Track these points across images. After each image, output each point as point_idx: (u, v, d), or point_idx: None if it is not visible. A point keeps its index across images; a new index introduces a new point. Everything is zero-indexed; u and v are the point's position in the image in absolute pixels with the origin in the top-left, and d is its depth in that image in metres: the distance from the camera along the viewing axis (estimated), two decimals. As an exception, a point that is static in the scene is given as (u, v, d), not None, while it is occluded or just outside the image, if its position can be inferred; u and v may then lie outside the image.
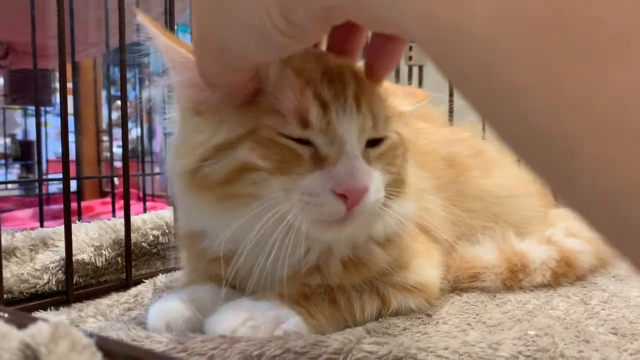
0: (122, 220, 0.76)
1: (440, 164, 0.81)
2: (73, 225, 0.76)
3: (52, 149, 2.41)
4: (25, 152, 2.93)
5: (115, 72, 2.33)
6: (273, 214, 0.50)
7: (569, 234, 0.85)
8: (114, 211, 1.54)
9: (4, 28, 1.44)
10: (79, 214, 1.48)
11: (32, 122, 1.83)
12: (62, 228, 0.69)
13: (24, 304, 0.65)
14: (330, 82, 0.52)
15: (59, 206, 1.78)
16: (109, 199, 2.10)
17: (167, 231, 0.84)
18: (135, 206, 1.97)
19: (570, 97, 0.20)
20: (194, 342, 0.48)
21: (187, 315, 0.55)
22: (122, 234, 0.76)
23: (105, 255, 0.74)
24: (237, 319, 0.52)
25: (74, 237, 0.72)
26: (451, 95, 1.18)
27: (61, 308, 0.67)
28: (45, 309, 0.66)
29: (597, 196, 0.21)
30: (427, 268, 0.68)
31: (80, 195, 2.45)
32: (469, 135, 0.93)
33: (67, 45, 0.69)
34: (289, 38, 0.36)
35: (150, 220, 0.83)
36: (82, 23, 1.58)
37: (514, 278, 0.74)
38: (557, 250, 0.78)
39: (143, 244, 0.80)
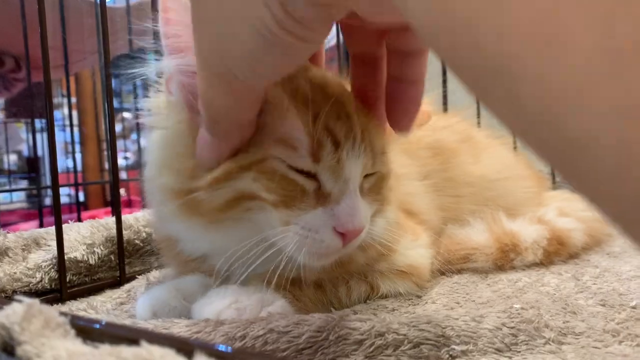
0: (115, 219, 0.77)
1: (425, 152, 0.81)
2: (65, 225, 0.77)
3: (58, 161, 2.43)
4: (32, 168, 2.95)
5: (115, 83, 2.36)
6: (267, 244, 0.51)
7: (561, 213, 0.85)
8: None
9: (14, 41, 1.44)
10: (79, 219, 1.49)
11: (37, 137, 1.86)
12: (54, 228, 0.70)
13: (18, 303, 0.66)
14: (338, 117, 0.51)
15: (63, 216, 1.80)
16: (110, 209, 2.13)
17: (160, 228, 0.84)
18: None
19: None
20: (178, 327, 0.49)
21: (173, 304, 0.56)
22: (114, 231, 0.76)
23: (98, 253, 0.75)
24: (222, 302, 0.53)
25: (66, 236, 0.73)
26: (444, 81, 1.19)
27: (54, 305, 0.68)
28: (38, 307, 0.66)
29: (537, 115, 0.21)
30: (415, 247, 0.68)
31: (84, 204, 2.47)
32: (458, 121, 0.93)
33: (53, 58, 0.69)
34: (292, 37, 0.35)
35: (143, 217, 0.84)
36: (78, 32, 1.59)
37: (505, 258, 0.74)
38: (548, 229, 0.78)
39: (136, 241, 0.81)
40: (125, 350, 0.29)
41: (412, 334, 0.47)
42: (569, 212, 0.85)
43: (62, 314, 0.35)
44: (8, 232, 0.73)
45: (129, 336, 0.31)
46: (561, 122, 0.20)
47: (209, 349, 0.30)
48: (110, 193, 1.79)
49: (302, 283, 0.58)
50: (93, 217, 2.07)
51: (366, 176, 0.54)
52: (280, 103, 0.49)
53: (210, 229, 0.54)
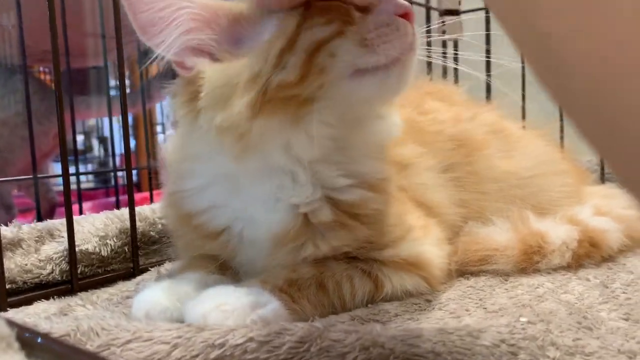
0: (129, 210, 0.77)
1: (446, 144, 0.76)
2: (80, 216, 0.78)
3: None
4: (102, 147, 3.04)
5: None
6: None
7: (597, 212, 0.78)
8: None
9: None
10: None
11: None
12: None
13: (27, 294, 0.67)
14: None
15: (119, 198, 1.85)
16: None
17: (176, 220, 0.84)
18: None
19: None
20: (160, 331, 0.47)
21: (165, 305, 0.55)
22: (128, 223, 0.76)
23: (110, 245, 0.75)
24: (209, 304, 0.51)
25: (80, 228, 0.74)
26: (488, 70, 1.12)
27: (65, 297, 0.68)
28: (48, 299, 0.67)
29: None
30: (423, 244, 0.64)
31: (138, 185, 2.53)
32: (487, 113, 0.87)
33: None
34: None
35: (159, 208, 0.83)
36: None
37: (529, 260, 0.69)
38: (580, 230, 0.72)
39: (151, 232, 0.81)
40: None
41: (399, 348, 0.44)
42: (606, 211, 0.78)
43: (11, 324, 0.34)
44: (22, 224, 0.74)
45: (65, 354, 0.30)
46: None
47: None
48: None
49: (302, 283, 0.56)
50: (145, 199, 2.13)
51: None
52: None
53: (292, 123, 0.53)
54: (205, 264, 0.63)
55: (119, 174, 2.01)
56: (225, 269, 0.64)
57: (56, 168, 2.74)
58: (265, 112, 0.51)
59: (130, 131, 2.49)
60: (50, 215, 1.90)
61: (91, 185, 2.72)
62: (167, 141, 0.64)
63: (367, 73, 0.52)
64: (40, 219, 1.40)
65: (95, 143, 3.11)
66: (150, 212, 0.82)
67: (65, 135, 0.70)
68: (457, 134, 0.78)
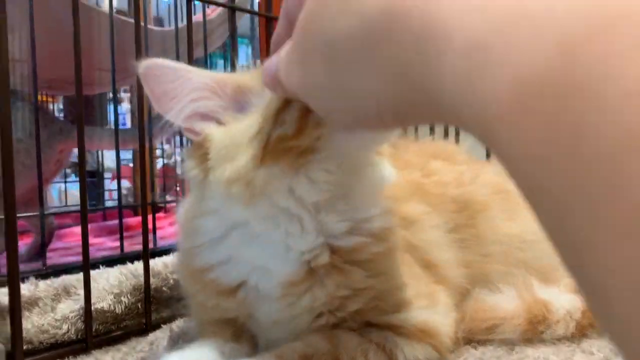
0: (143, 265, 0.78)
1: (450, 206, 0.79)
2: (95, 271, 0.79)
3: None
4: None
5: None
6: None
7: (599, 279, 0.81)
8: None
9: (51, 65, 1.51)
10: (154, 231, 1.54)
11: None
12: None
13: (43, 354, 0.68)
14: None
15: (115, 221, 1.85)
16: (161, 214, 2.19)
17: (187, 274, 0.85)
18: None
19: None
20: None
21: None
22: (142, 279, 0.78)
23: (124, 302, 0.76)
24: None
25: (94, 285, 0.75)
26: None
27: (79, 356, 0.69)
28: (62, 359, 0.68)
29: None
30: (433, 310, 0.66)
31: (134, 208, 2.53)
32: (492, 173, 0.89)
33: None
34: None
35: (172, 263, 0.85)
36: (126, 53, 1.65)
37: (534, 330, 0.71)
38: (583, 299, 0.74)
39: (164, 288, 0.82)
40: None
41: None
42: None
43: None
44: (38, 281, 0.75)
45: None
46: None
47: None
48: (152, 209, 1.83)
49: (317, 358, 0.58)
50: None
51: None
52: None
53: (293, 170, 0.55)
54: (221, 331, 0.64)
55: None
56: (241, 334, 0.65)
57: (53, 189, 2.75)
58: (268, 161, 0.54)
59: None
60: (49, 238, 1.90)
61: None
62: (180, 206, 0.67)
63: None
64: (44, 251, 1.41)
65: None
66: (162, 267, 0.83)
67: (85, 185, 0.72)
68: (460, 196, 0.80)
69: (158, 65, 0.57)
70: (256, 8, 1.51)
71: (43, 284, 0.74)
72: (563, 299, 0.74)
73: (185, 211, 0.67)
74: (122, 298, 0.76)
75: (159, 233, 1.72)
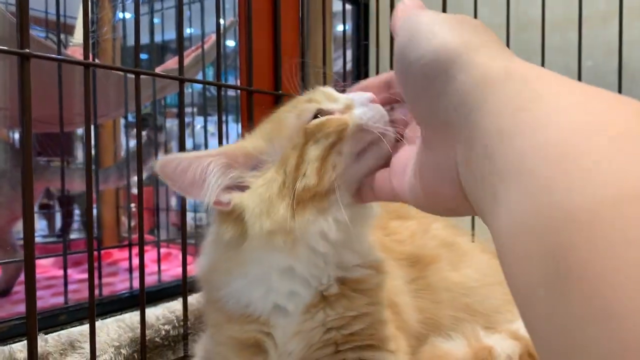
0: (139, 318, 0.88)
1: (406, 262, 0.92)
2: (96, 324, 0.88)
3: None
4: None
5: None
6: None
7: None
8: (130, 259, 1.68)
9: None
10: (99, 266, 1.61)
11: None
12: (87, 328, 0.81)
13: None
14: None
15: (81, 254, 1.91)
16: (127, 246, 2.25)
17: (176, 325, 0.96)
18: (150, 253, 2.11)
19: None
20: None
21: None
22: (138, 332, 0.87)
23: (123, 353, 0.86)
24: None
25: (97, 338, 0.84)
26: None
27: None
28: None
29: None
30: (399, 355, 0.78)
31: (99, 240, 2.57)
32: (440, 227, 1.03)
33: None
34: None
35: (163, 315, 0.95)
36: (104, 97, 1.72)
37: (480, 372, 0.84)
38: (522, 345, 0.88)
39: (156, 339, 0.92)
40: None
41: None
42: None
43: None
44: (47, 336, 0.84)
45: None
46: None
47: None
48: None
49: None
50: (107, 254, 2.19)
51: None
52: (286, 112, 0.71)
53: (322, 213, 0.66)
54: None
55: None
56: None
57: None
58: (299, 210, 0.65)
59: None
60: (17, 275, 1.93)
61: (52, 239, 2.74)
62: (202, 260, 0.77)
63: (366, 150, 0.65)
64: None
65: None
66: (155, 319, 0.93)
67: (92, 240, 0.81)
68: (414, 251, 0.94)
69: (172, 160, 0.66)
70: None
71: (51, 339, 0.83)
72: (505, 345, 0.88)
73: (209, 265, 0.76)
74: (122, 350, 0.86)
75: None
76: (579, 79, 1.40)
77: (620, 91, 1.38)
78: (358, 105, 0.66)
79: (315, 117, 0.67)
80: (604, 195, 0.24)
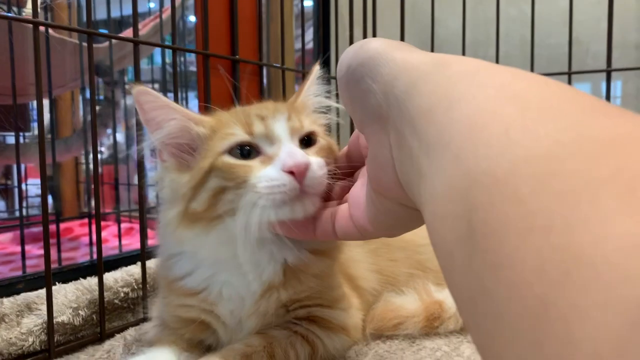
0: (97, 280, 0.88)
1: None
2: (53, 287, 0.88)
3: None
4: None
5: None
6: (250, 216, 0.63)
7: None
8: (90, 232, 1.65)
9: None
10: (58, 237, 1.58)
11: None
12: (44, 292, 0.82)
13: (12, 365, 0.77)
14: (266, 108, 0.70)
15: (39, 228, 1.88)
16: (87, 220, 2.22)
17: (135, 287, 0.96)
18: (112, 227, 2.09)
19: None
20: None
21: None
22: (97, 294, 0.88)
23: (82, 314, 0.86)
24: None
25: (54, 300, 0.84)
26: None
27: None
28: (29, 368, 0.78)
29: None
30: (349, 310, 0.82)
31: (59, 213, 2.54)
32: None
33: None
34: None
35: (122, 278, 0.95)
36: (60, 67, 1.69)
37: (431, 326, 0.88)
38: (469, 299, 0.92)
39: (115, 301, 0.93)
40: None
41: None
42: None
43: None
44: (3, 299, 0.84)
45: None
46: None
47: None
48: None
49: (255, 356, 0.71)
50: (68, 230, 2.16)
51: (307, 144, 0.70)
52: (227, 121, 0.69)
53: (209, 230, 0.67)
54: (177, 340, 0.76)
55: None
56: (194, 346, 0.77)
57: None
58: (185, 223, 0.68)
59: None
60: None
61: (4, 215, 2.69)
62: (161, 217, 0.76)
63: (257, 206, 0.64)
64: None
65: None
66: (113, 282, 0.93)
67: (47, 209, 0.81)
68: None
69: (149, 93, 0.68)
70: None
71: (7, 302, 0.83)
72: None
73: (163, 214, 0.74)
74: (80, 311, 0.86)
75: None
76: (532, 50, 1.44)
77: (570, 60, 1.43)
78: (273, 165, 0.63)
79: (242, 146, 0.66)
80: (504, 159, 0.26)
